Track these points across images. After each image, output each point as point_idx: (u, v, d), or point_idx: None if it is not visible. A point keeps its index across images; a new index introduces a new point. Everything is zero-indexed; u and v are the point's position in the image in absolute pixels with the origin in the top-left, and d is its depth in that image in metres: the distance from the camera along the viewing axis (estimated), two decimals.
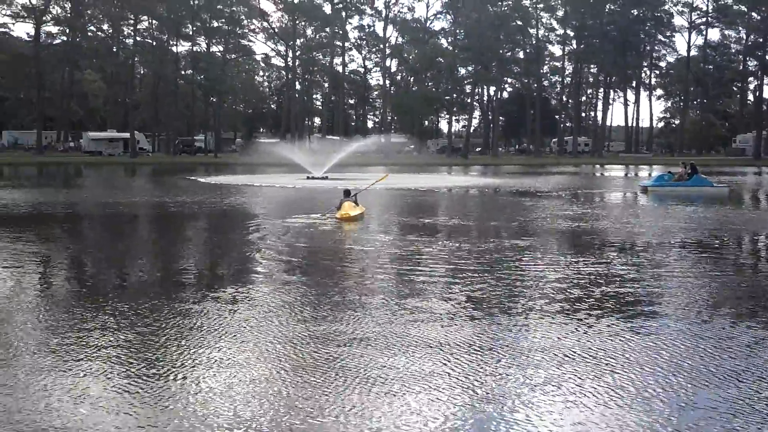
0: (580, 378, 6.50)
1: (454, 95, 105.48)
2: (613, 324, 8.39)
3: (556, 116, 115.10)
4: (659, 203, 26.66)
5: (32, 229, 18.28)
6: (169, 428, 5.41)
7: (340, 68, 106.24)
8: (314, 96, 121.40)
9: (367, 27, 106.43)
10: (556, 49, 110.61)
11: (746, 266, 13.70)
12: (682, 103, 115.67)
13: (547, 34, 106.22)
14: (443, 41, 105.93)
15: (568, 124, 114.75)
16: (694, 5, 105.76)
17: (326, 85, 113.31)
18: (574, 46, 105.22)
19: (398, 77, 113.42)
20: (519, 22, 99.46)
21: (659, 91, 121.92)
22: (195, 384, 6.33)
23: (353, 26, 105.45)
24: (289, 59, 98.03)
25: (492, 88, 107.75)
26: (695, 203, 26.12)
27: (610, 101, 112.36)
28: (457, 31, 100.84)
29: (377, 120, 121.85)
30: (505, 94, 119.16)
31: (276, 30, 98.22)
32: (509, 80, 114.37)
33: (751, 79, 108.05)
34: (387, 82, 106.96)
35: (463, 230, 18.07)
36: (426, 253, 13.63)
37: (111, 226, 20.05)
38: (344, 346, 7.40)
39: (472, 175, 53.88)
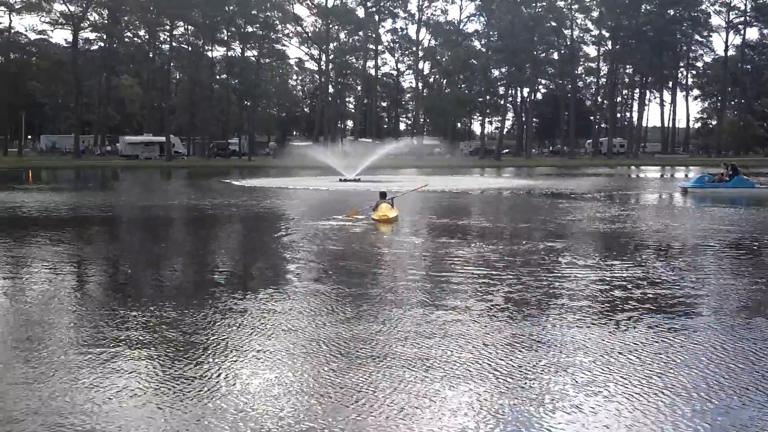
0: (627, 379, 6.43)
1: (487, 97, 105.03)
2: (655, 325, 8.29)
3: (591, 117, 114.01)
4: (700, 205, 26.23)
5: (73, 232, 18.59)
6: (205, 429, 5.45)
7: (372, 71, 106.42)
8: (347, 99, 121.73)
9: (399, 30, 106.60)
10: (591, 50, 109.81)
11: None
12: (719, 104, 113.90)
13: (581, 34, 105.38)
14: (476, 43, 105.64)
15: (603, 125, 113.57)
16: (732, 4, 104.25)
17: (359, 88, 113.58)
18: (609, 46, 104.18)
19: (431, 79, 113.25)
20: (553, 23, 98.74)
21: (696, 92, 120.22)
22: (234, 385, 6.37)
23: (386, 29, 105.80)
24: (322, 63, 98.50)
25: (525, 90, 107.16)
26: (737, 204, 25.66)
27: (646, 102, 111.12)
28: (491, 32, 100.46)
29: (410, 122, 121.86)
30: (539, 96, 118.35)
31: (309, 34, 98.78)
32: (543, 81, 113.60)
33: None
34: (420, 84, 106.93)
35: (503, 232, 17.99)
36: (464, 255, 13.58)
37: (149, 228, 20.29)
38: (386, 345, 7.40)
39: (506, 177, 53.59)
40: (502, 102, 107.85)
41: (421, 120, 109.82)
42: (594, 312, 8.90)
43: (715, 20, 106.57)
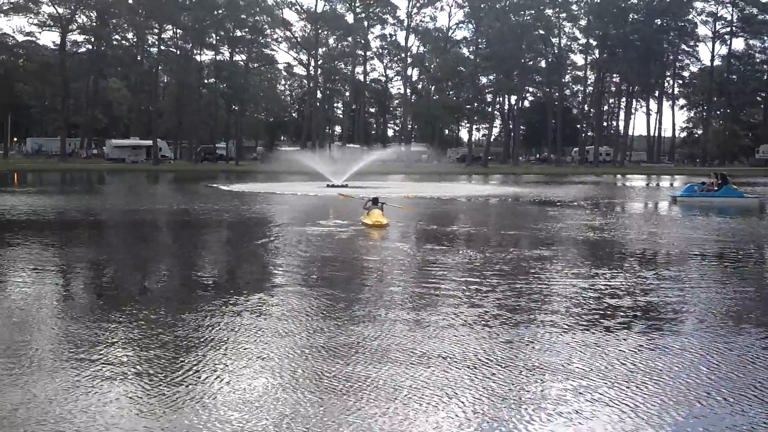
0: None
1: (475, 104, 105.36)
2: (640, 334, 8.33)
3: (578, 125, 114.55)
4: (689, 214, 26.33)
5: (58, 236, 18.48)
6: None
7: (361, 77, 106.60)
8: (335, 105, 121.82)
9: (388, 36, 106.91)
10: (579, 59, 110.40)
11: None
12: (705, 113, 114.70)
13: (569, 43, 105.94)
14: (465, 50, 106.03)
15: (589, 134, 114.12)
16: (719, 15, 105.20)
17: (347, 93, 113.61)
18: (597, 55, 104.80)
19: (419, 86, 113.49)
20: (541, 32, 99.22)
21: (682, 101, 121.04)
22: (212, 391, 6.36)
23: (375, 35, 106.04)
24: (311, 68, 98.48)
25: (513, 97, 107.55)
26: (726, 214, 25.79)
27: (632, 111, 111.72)
28: (479, 40, 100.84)
29: (398, 129, 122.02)
30: (527, 103, 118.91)
31: (298, 39, 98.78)
32: (531, 89, 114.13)
33: None
34: (408, 90, 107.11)
35: (493, 239, 18.02)
36: (454, 263, 13.60)
37: (135, 233, 20.17)
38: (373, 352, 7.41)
39: (494, 184, 53.74)
40: (489, 109, 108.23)
41: (409, 126, 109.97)
42: (578, 319, 8.94)
43: (702, 30, 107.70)
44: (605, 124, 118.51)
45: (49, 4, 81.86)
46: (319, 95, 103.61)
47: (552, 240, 17.69)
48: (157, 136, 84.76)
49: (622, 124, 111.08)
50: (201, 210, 26.09)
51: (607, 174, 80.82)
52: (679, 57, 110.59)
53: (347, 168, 46.81)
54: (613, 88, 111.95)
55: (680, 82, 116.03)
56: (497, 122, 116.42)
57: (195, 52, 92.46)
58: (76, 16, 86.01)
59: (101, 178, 56.81)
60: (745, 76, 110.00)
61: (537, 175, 73.72)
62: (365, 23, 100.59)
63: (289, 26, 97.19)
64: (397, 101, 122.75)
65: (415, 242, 17.29)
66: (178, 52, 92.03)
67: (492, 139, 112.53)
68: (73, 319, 8.79)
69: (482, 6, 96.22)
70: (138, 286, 11.66)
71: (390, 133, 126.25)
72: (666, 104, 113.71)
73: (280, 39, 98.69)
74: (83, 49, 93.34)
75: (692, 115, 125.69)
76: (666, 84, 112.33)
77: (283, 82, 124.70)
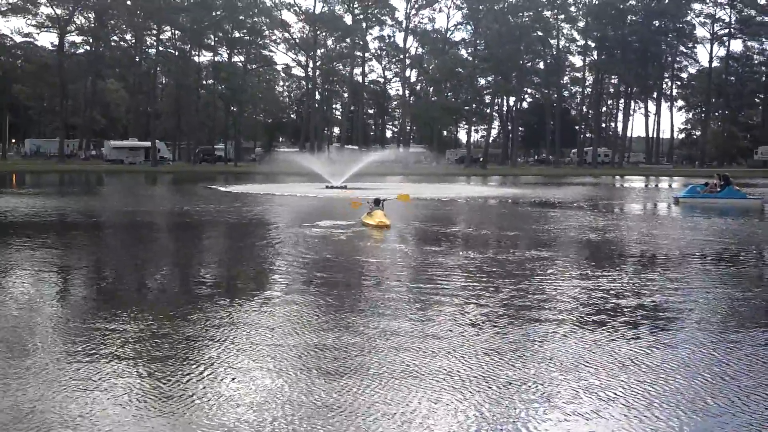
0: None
1: (474, 105, 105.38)
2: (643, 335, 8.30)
3: (576, 127, 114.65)
4: (692, 215, 26.26)
5: (57, 238, 18.44)
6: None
7: (359, 78, 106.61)
8: (334, 106, 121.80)
9: (387, 37, 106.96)
10: (577, 60, 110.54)
11: None
12: (703, 115, 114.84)
13: (567, 44, 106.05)
14: (463, 52, 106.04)
15: (588, 135, 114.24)
16: (717, 16, 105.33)
17: (346, 95, 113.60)
18: (595, 56, 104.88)
19: (418, 87, 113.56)
20: (540, 33, 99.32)
21: (680, 102, 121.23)
22: (213, 393, 6.32)
23: (373, 37, 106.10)
24: (309, 69, 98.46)
25: (511, 99, 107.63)
26: (728, 215, 25.74)
27: (631, 112, 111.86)
28: (478, 41, 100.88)
29: (396, 130, 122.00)
30: (525, 105, 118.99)
31: (297, 40, 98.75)
32: (529, 91, 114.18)
33: None
34: (406, 92, 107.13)
35: (498, 241, 17.99)
36: (456, 264, 13.57)
37: (135, 235, 20.11)
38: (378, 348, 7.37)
39: (492, 186, 53.72)
40: (488, 111, 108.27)
41: (408, 128, 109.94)
42: (583, 320, 8.91)
43: (700, 32, 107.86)
44: (604, 125, 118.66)
45: (48, 5, 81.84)
46: (317, 96, 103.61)
47: (562, 241, 17.66)
48: (156, 137, 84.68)
49: (620, 125, 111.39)
50: (202, 211, 26.02)
51: (606, 175, 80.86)
52: (678, 58, 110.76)
53: (346, 169, 46.77)
54: (611, 90, 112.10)
55: (678, 83, 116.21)
56: (496, 123, 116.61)
57: (193, 53, 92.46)
58: (75, 17, 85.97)
59: (100, 180, 56.73)
60: (743, 78, 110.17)
61: (536, 177, 73.73)
62: (364, 24, 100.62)
63: (287, 27, 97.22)
64: (395, 102, 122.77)
65: (418, 243, 17.25)
66: (177, 54, 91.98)
67: (491, 141, 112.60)
68: (76, 318, 8.76)
69: (480, 7, 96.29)
70: (139, 288, 11.61)
71: (388, 134, 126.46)
72: (664, 105, 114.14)
73: (278, 40, 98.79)
74: (81, 50, 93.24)
75: (690, 116, 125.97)
76: (664, 85, 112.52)
77: (281, 83, 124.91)
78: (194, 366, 6.97)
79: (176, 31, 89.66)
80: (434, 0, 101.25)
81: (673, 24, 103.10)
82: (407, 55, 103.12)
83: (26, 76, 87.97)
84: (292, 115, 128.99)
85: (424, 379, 6.61)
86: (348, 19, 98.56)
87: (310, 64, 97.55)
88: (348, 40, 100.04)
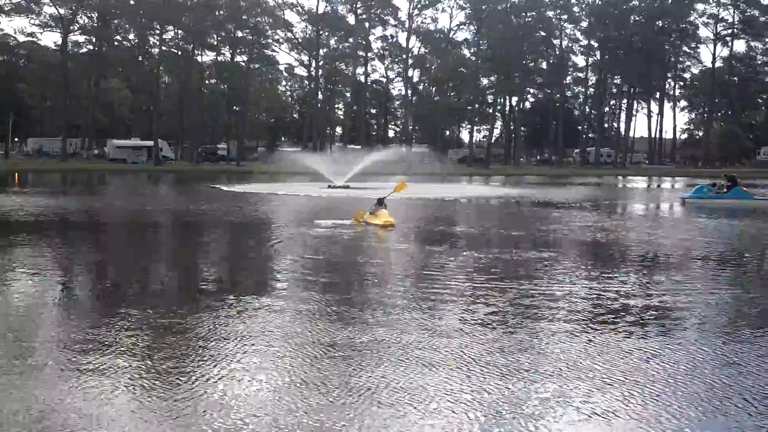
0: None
1: (476, 105, 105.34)
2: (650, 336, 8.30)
3: (579, 127, 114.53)
4: (700, 215, 26.19)
5: (59, 237, 18.46)
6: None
7: (362, 78, 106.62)
8: (336, 105, 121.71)
9: (390, 37, 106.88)
10: (580, 60, 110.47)
11: None
12: (706, 115, 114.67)
13: (570, 44, 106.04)
14: (466, 51, 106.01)
15: (590, 135, 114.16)
16: (720, 17, 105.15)
17: (348, 94, 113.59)
18: (598, 56, 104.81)
19: (420, 87, 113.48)
20: (542, 33, 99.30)
21: (683, 103, 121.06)
22: (217, 391, 6.33)
23: (376, 36, 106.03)
24: (312, 69, 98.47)
25: (514, 99, 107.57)
26: (736, 216, 25.67)
27: (634, 112, 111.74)
28: (480, 41, 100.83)
29: (399, 130, 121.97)
30: (528, 105, 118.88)
31: (299, 40, 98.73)
32: (532, 90, 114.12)
33: None
34: (409, 92, 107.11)
35: (502, 241, 17.99)
36: (462, 263, 13.58)
37: (142, 234, 20.15)
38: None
39: (495, 186, 53.70)
40: (490, 110, 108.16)
41: (410, 127, 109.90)
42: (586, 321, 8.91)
43: (703, 32, 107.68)
44: (606, 125, 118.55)
45: (51, 4, 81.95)
46: (320, 96, 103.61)
47: (572, 242, 17.64)
48: (159, 136, 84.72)
49: (623, 125, 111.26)
50: (206, 211, 26.04)
51: (609, 175, 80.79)
52: (681, 59, 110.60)
53: (348, 169, 46.76)
54: (614, 90, 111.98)
55: (681, 83, 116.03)
56: (498, 123, 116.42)
57: (196, 53, 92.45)
58: (78, 16, 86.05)
59: (103, 179, 56.79)
60: (746, 78, 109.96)
61: (538, 177, 73.69)
62: (366, 24, 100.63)
63: (290, 27, 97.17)
64: (398, 102, 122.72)
65: (424, 242, 17.25)
66: (180, 53, 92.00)
67: (493, 141, 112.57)
68: (80, 317, 8.78)
69: (483, 7, 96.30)
70: (144, 287, 11.63)
71: (391, 134, 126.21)
72: (667, 106, 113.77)
73: (281, 40, 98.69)
74: (84, 50, 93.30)
75: (693, 116, 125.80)
76: (667, 85, 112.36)
77: (284, 82, 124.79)
78: (205, 364, 6.99)
79: (179, 31, 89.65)
80: (437, 0, 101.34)
81: (676, 24, 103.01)
82: (410, 54, 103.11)
83: (29, 76, 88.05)
84: (294, 115, 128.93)
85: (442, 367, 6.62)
86: (351, 19, 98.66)
87: (313, 64, 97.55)
88: (351, 39, 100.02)
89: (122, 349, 7.48)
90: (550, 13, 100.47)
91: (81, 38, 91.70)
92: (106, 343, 7.67)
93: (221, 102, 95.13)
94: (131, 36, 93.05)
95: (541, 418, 5.75)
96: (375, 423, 5.63)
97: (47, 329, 8.34)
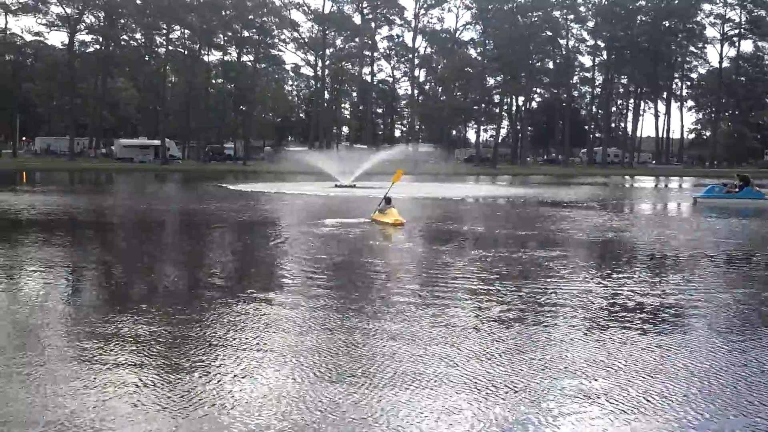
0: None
1: (483, 105, 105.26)
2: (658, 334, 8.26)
3: (586, 127, 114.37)
4: (712, 215, 26.09)
5: (64, 235, 18.49)
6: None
7: (368, 78, 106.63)
8: (342, 105, 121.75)
9: (396, 37, 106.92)
10: (587, 60, 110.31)
11: None
12: (713, 115, 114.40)
13: (577, 44, 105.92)
14: (472, 51, 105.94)
15: (597, 135, 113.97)
16: (727, 17, 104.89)
17: (354, 94, 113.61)
18: (605, 56, 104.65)
19: (426, 87, 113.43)
20: (549, 33, 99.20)
21: (690, 103, 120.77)
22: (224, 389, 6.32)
23: (382, 36, 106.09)
24: (318, 69, 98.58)
25: (521, 98, 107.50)
26: (747, 216, 25.58)
27: (641, 112, 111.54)
28: (487, 41, 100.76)
29: (405, 129, 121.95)
30: (534, 104, 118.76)
31: (306, 40, 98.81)
32: (538, 90, 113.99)
33: None
34: (415, 91, 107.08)
35: (512, 240, 17.95)
36: (472, 263, 13.55)
37: (149, 233, 20.17)
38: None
39: (502, 185, 53.63)
40: (497, 110, 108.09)
41: (417, 127, 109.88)
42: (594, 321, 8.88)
43: (710, 32, 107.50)
44: (613, 125, 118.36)
45: (58, 4, 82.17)
46: (326, 96, 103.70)
47: (585, 242, 17.59)
48: (165, 135, 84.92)
49: (630, 125, 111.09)
50: (214, 210, 26.04)
51: (616, 175, 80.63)
52: (687, 59, 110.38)
53: (355, 168, 46.80)
54: (621, 90, 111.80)
55: (688, 83, 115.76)
56: (505, 123, 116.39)
57: (203, 52, 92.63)
58: (85, 16, 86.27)
59: (111, 178, 56.90)
60: (753, 78, 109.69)
61: (545, 176, 73.59)
62: (372, 24, 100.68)
63: (296, 27, 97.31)
64: (404, 102, 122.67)
65: (433, 241, 17.23)
66: (186, 53, 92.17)
67: (500, 140, 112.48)
68: (91, 314, 8.79)
69: (490, 7, 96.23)
70: (150, 285, 11.63)
71: (397, 133, 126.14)
72: (674, 106, 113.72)
73: (287, 40, 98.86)
74: (91, 49, 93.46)
75: (700, 116, 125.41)
76: (674, 86, 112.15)
77: (290, 82, 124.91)
78: (209, 364, 6.97)
79: (186, 31, 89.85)
80: (443, 0, 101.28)
81: (683, 24, 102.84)
82: (416, 54, 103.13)
83: (37, 75, 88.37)
84: (300, 114, 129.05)
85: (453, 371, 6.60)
86: (357, 19, 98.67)
87: (319, 64, 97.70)
88: (357, 39, 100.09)
89: (132, 345, 7.48)
90: (557, 13, 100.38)
91: (88, 38, 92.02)
92: (120, 337, 7.67)
93: (228, 101, 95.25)
94: (138, 35, 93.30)
95: (564, 415, 5.73)
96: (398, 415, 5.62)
97: (56, 326, 8.34)
